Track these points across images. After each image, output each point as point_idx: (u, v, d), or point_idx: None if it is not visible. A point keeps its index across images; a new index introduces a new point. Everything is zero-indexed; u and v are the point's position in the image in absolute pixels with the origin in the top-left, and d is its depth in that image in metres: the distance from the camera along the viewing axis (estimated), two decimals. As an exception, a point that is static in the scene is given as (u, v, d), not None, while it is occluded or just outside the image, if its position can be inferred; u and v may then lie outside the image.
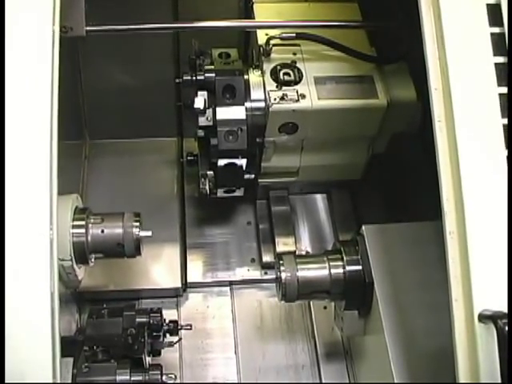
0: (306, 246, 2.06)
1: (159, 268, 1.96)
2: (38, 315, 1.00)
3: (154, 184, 2.15)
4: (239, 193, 1.87)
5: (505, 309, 1.02)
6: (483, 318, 1.03)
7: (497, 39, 1.14)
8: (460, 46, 1.13)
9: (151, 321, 1.54)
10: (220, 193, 1.86)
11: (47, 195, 1.04)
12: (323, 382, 1.81)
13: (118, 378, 1.33)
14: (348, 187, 2.10)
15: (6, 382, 0.95)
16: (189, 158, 1.97)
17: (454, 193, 1.10)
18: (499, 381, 0.98)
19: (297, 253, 1.98)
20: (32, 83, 1.08)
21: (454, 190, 1.10)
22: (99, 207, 1.64)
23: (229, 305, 1.96)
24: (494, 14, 1.14)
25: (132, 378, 1.36)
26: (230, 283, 2.00)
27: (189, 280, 1.97)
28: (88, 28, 1.57)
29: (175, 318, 1.86)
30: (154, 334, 1.55)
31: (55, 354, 0.99)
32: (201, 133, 1.76)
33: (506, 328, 0.98)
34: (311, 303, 1.93)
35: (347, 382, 1.80)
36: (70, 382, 1.21)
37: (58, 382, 0.99)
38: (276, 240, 2.00)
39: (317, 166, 1.93)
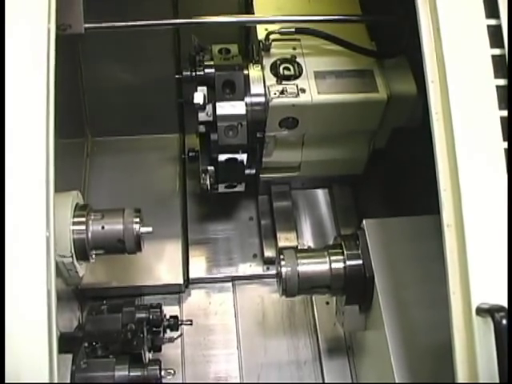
0: (307, 240, 2.06)
1: (161, 264, 1.96)
2: (34, 313, 0.99)
3: (156, 181, 2.15)
4: (240, 188, 1.86)
5: (502, 302, 1.01)
6: (481, 311, 1.02)
7: (493, 31, 1.13)
8: (456, 39, 1.12)
9: (151, 316, 1.54)
10: (221, 188, 1.85)
11: (43, 192, 1.03)
12: (325, 377, 1.81)
13: (117, 373, 1.32)
14: (350, 182, 2.10)
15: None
16: (190, 154, 1.96)
17: (451, 184, 1.09)
18: (497, 374, 0.97)
19: (299, 248, 1.97)
20: (28, 82, 1.08)
21: (451, 182, 1.09)
22: (101, 204, 1.64)
23: (231, 301, 1.96)
24: (490, 6, 1.13)
25: (130, 374, 1.36)
26: (232, 279, 2.00)
27: (191, 276, 1.98)
28: (87, 25, 1.56)
29: (177, 314, 1.86)
30: (154, 329, 1.55)
31: (52, 352, 0.99)
32: (202, 128, 1.76)
33: (504, 321, 0.97)
34: (313, 298, 1.93)
35: (349, 377, 1.80)
36: (68, 378, 1.21)
37: (55, 379, 0.99)
38: (278, 235, 2.00)
39: (318, 161, 1.92)
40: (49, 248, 1.02)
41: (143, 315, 1.53)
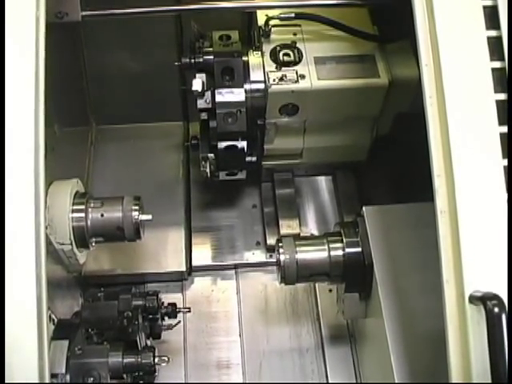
0: (310, 228, 2.05)
1: (164, 252, 1.95)
2: (24, 298, 1.00)
3: (160, 168, 2.15)
4: (241, 175, 1.85)
5: (495, 290, 0.99)
6: (474, 299, 1.01)
7: (489, 12, 1.10)
8: (451, 20, 1.10)
9: (147, 304, 1.54)
10: (222, 176, 1.85)
11: (32, 177, 1.03)
12: (327, 365, 1.80)
13: (111, 360, 1.33)
14: (353, 169, 2.08)
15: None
16: (193, 141, 1.95)
17: (445, 170, 1.07)
18: (488, 363, 0.96)
19: (301, 235, 1.96)
20: (15, 73, 1.06)
21: (445, 168, 1.07)
22: (105, 192, 1.65)
23: (234, 288, 1.96)
24: (486, -14, 1.11)
25: (124, 361, 1.36)
26: (235, 266, 1.99)
27: (194, 263, 1.97)
28: (84, 13, 1.55)
29: (180, 301, 1.87)
30: (151, 316, 1.56)
31: (42, 339, 0.99)
32: (204, 116, 1.75)
33: (496, 309, 0.96)
34: (316, 286, 1.92)
35: (351, 365, 1.79)
36: (64, 363, 1.22)
37: (46, 363, 0.99)
38: (280, 223, 1.99)
39: (320, 148, 1.91)
40: (38, 232, 1.02)
41: (139, 302, 1.53)
